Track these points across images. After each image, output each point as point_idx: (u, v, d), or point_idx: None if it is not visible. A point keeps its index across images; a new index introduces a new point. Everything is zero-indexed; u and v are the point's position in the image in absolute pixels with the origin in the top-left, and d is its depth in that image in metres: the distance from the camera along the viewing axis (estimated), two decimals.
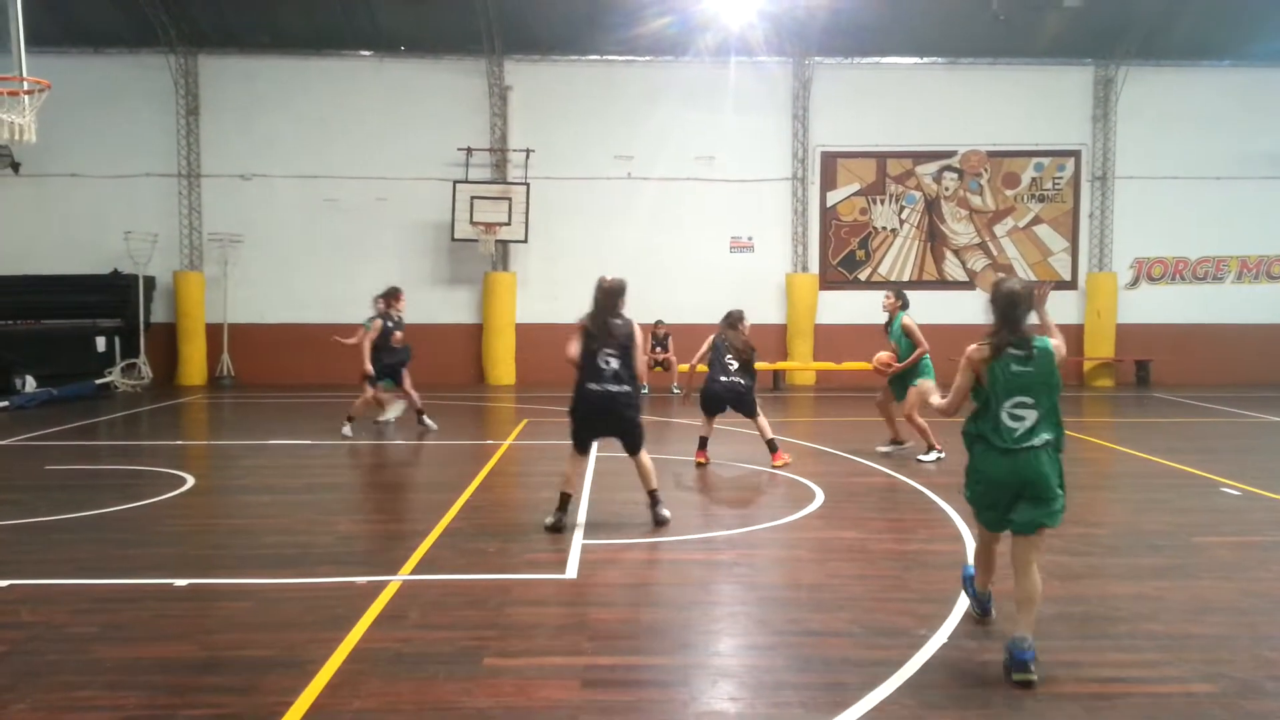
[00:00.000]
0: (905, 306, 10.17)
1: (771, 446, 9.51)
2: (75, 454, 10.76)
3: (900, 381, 10.01)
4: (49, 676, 4.29)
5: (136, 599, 5.41)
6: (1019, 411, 4.46)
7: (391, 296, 11.99)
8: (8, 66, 10.38)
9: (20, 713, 3.92)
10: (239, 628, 4.95)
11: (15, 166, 17.84)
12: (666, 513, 7.10)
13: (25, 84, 10.14)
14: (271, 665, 4.40)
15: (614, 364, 6.84)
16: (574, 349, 6.93)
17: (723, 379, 9.41)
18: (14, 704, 3.99)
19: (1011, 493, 4.49)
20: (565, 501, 6.97)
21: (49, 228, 18.43)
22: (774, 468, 9.37)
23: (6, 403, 14.60)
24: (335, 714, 3.92)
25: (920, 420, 9.80)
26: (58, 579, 5.75)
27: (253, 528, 7.25)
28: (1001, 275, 4.99)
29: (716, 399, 9.49)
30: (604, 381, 6.85)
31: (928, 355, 9.90)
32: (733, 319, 9.69)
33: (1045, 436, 4.47)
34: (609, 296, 7.01)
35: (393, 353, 11.72)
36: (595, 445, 7.59)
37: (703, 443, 9.69)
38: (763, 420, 9.55)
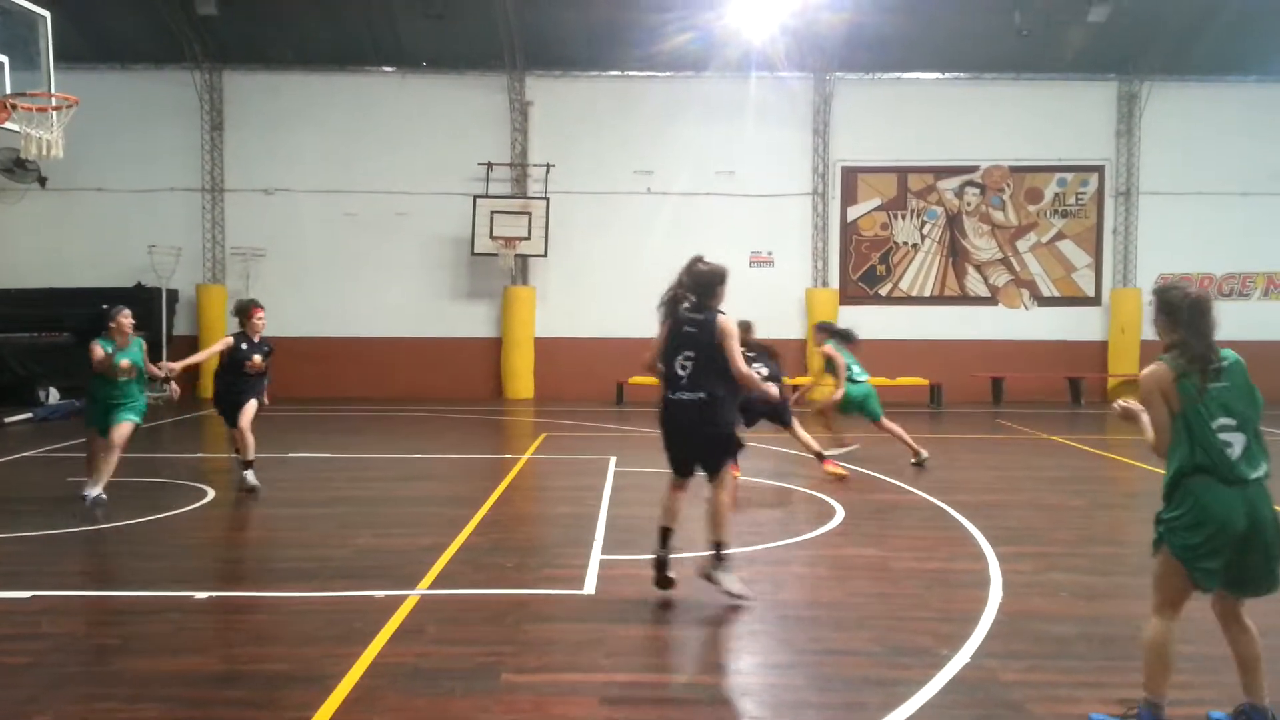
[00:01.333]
0: (832, 338, 10.96)
1: (819, 456, 9.68)
2: None
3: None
4: (70, 688, 4.30)
5: (157, 611, 5.42)
6: (1226, 437, 3.71)
7: (243, 313, 9.14)
8: (37, 83, 10.53)
9: None
10: (258, 641, 4.96)
11: (42, 181, 18.08)
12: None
13: (54, 100, 10.27)
14: (290, 679, 4.39)
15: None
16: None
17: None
18: (36, 715, 4.01)
19: (1240, 538, 3.67)
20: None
21: (74, 241, 18.67)
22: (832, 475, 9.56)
23: (30, 414, 14.74)
24: None
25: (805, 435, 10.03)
26: (79, 591, 5.78)
27: (272, 541, 7.28)
28: (1173, 283, 3.66)
29: (749, 411, 9.05)
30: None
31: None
32: (744, 327, 9.23)
33: (1266, 467, 3.73)
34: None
35: (240, 382, 8.96)
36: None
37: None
38: (801, 430, 9.63)
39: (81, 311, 17.65)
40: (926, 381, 17.92)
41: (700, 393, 5.44)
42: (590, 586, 5.89)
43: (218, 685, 4.35)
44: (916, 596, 5.77)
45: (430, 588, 5.83)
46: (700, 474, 5.65)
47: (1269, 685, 3.81)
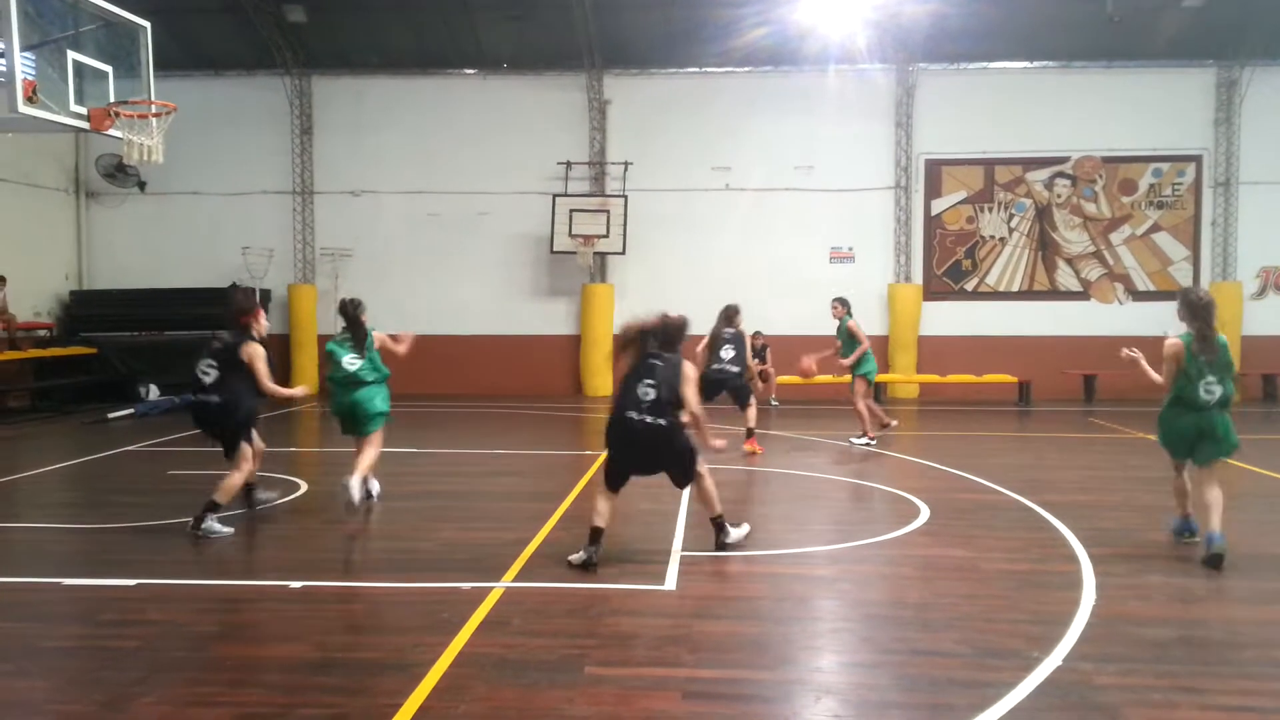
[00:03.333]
0: (850, 313, 11.80)
1: (749, 434, 11.01)
2: (195, 460, 11.24)
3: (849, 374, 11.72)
4: (174, 672, 4.48)
5: (254, 600, 5.62)
6: (1209, 388, 6.42)
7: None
8: (138, 91, 10.93)
9: (148, 705, 4.11)
10: (350, 630, 5.10)
11: (142, 185, 18.86)
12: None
13: (153, 107, 10.67)
14: (381, 667, 4.51)
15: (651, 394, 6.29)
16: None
17: (715, 366, 10.74)
18: (143, 696, 4.19)
19: (1194, 438, 6.53)
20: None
21: (172, 243, 19.37)
22: (745, 452, 10.84)
23: (132, 410, 15.36)
24: (442, 717, 3.99)
25: (863, 408, 11.56)
26: (181, 579, 6.01)
27: (362, 533, 7.46)
28: (1191, 288, 6.96)
29: (712, 385, 10.55)
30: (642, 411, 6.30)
31: (869, 351, 11.55)
32: (730, 313, 11.05)
33: (1226, 400, 6.47)
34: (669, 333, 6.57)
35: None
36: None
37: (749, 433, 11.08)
38: (752, 410, 11.06)
39: (178, 311, 18.42)
40: (1015, 379, 17.49)
41: (661, 419, 6.24)
42: (671, 582, 5.91)
43: (313, 672, 4.49)
44: (1006, 598, 5.65)
45: (515, 580, 5.92)
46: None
47: (1219, 524, 6.23)
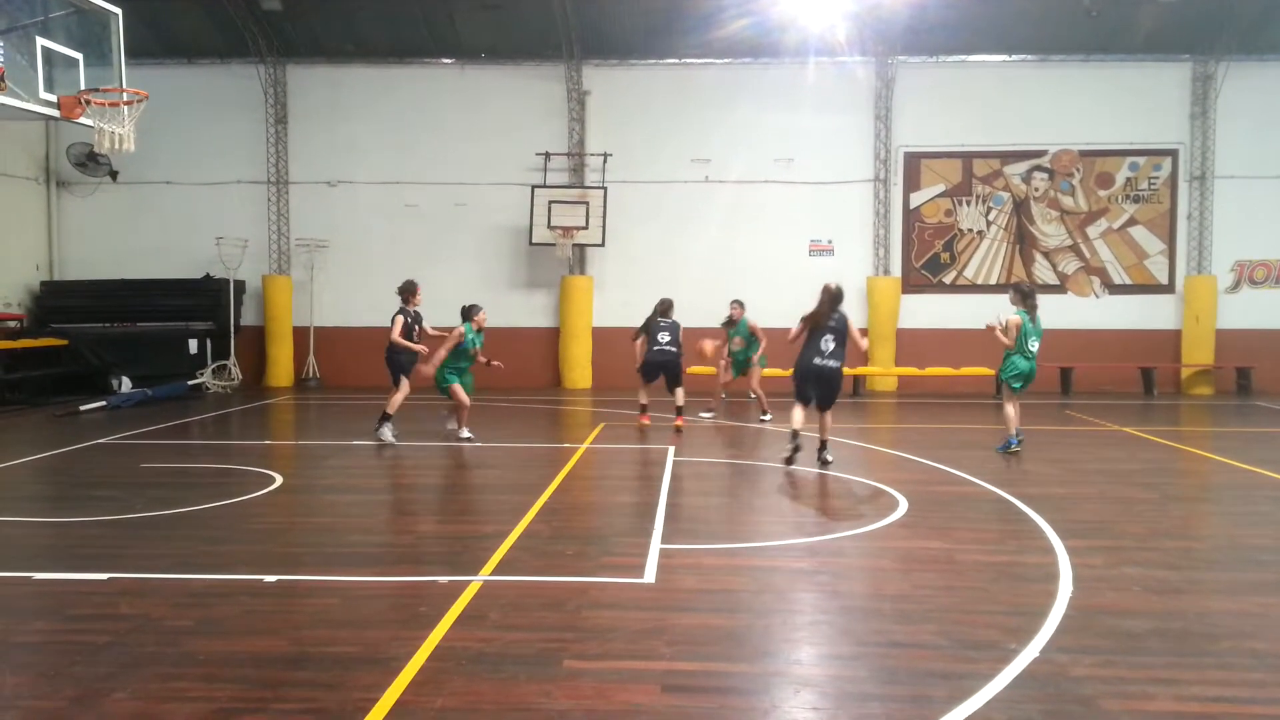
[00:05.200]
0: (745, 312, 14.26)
1: (678, 412, 12.52)
2: (169, 452, 11.13)
3: (743, 364, 14.09)
4: (147, 667, 4.42)
5: (228, 594, 5.55)
6: (1034, 346, 10.51)
7: (408, 291, 11.80)
8: (109, 79, 10.79)
9: (120, 701, 4.04)
10: (326, 624, 5.04)
11: (114, 174, 18.60)
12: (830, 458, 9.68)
13: (125, 95, 10.51)
14: (358, 661, 4.46)
15: (831, 344, 9.42)
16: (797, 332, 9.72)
17: (655, 349, 12.42)
18: (115, 692, 4.13)
19: (1028, 375, 10.64)
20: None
21: (145, 234, 19.16)
22: (640, 426, 12.50)
23: (104, 402, 15.19)
24: (419, 711, 3.95)
25: (760, 390, 13.94)
26: (154, 573, 5.93)
27: (338, 526, 7.40)
28: (1020, 280, 10.23)
29: (654, 367, 12.41)
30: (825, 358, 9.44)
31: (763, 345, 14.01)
32: (665, 305, 12.68)
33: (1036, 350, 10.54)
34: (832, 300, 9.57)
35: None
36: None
37: (644, 409, 12.71)
38: (681, 390, 12.50)
39: (151, 303, 18.22)
40: (992, 372, 17.57)
41: (834, 362, 9.44)
42: (650, 575, 5.89)
43: (288, 666, 4.44)
44: (983, 590, 5.67)
45: (492, 574, 5.88)
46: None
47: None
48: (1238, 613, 5.26)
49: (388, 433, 11.36)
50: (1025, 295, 10.49)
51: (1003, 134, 18.66)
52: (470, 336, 11.44)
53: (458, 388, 11.42)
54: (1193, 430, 13.95)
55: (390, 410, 11.43)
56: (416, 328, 11.57)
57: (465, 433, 11.54)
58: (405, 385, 11.58)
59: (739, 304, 14.17)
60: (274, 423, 14.29)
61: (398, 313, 11.45)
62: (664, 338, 12.43)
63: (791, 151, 18.78)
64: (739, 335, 13.92)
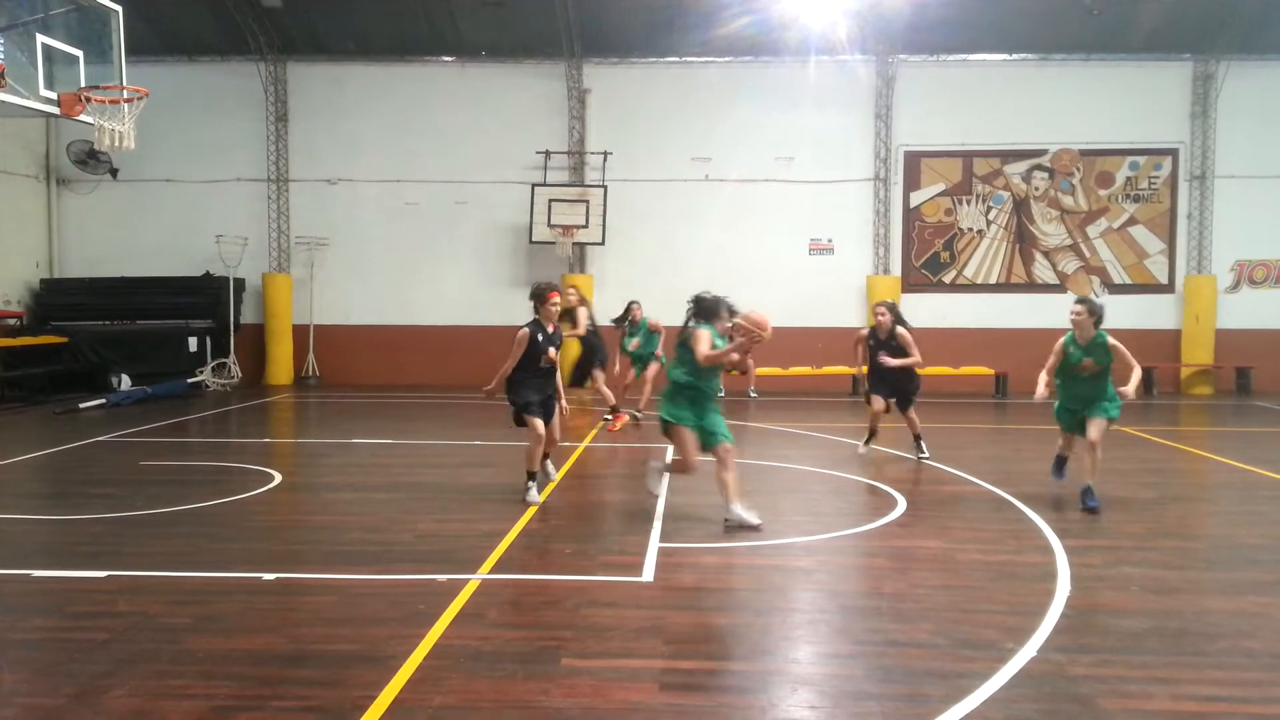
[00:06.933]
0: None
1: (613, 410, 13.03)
2: (168, 450, 11.13)
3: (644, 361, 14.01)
4: (145, 665, 4.42)
5: (227, 592, 5.56)
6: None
7: (539, 298, 8.95)
8: (109, 76, 10.79)
9: (118, 698, 4.05)
10: (325, 622, 5.05)
11: (114, 172, 18.59)
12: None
13: (125, 92, 10.51)
14: (356, 659, 4.47)
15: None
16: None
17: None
18: (113, 689, 4.13)
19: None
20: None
21: (144, 231, 19.13)
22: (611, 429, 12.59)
23: (103, 400, 15.19)
24: (417, 709, 3.96)
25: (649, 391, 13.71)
26: (152, 571, 5.93)
27: (337, 524, 7.40)
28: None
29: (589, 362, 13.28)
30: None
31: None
32: (635, 305, 13.83)
33: None
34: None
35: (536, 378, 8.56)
36: None
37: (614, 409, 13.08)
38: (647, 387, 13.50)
39: (151, 300, 18.21)
40: (991, 371, 17.60)
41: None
42: (649, 574, 5.89)
43: (286, 664, 4.44)
44: (981, 589, 5.67)
45: (491, 572, 5.89)
46: None
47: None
48: (1235, 612, 5.26)
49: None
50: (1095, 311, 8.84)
51: (1003, 133, 18.63)
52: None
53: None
54: (1192, 430, 13.95)
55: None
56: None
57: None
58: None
59: (638, 304, 14.14)
60: (273, 421, 14.29)
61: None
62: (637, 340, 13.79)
63: (792, 150, 18.76)
64: (637, 337, 13.96)
